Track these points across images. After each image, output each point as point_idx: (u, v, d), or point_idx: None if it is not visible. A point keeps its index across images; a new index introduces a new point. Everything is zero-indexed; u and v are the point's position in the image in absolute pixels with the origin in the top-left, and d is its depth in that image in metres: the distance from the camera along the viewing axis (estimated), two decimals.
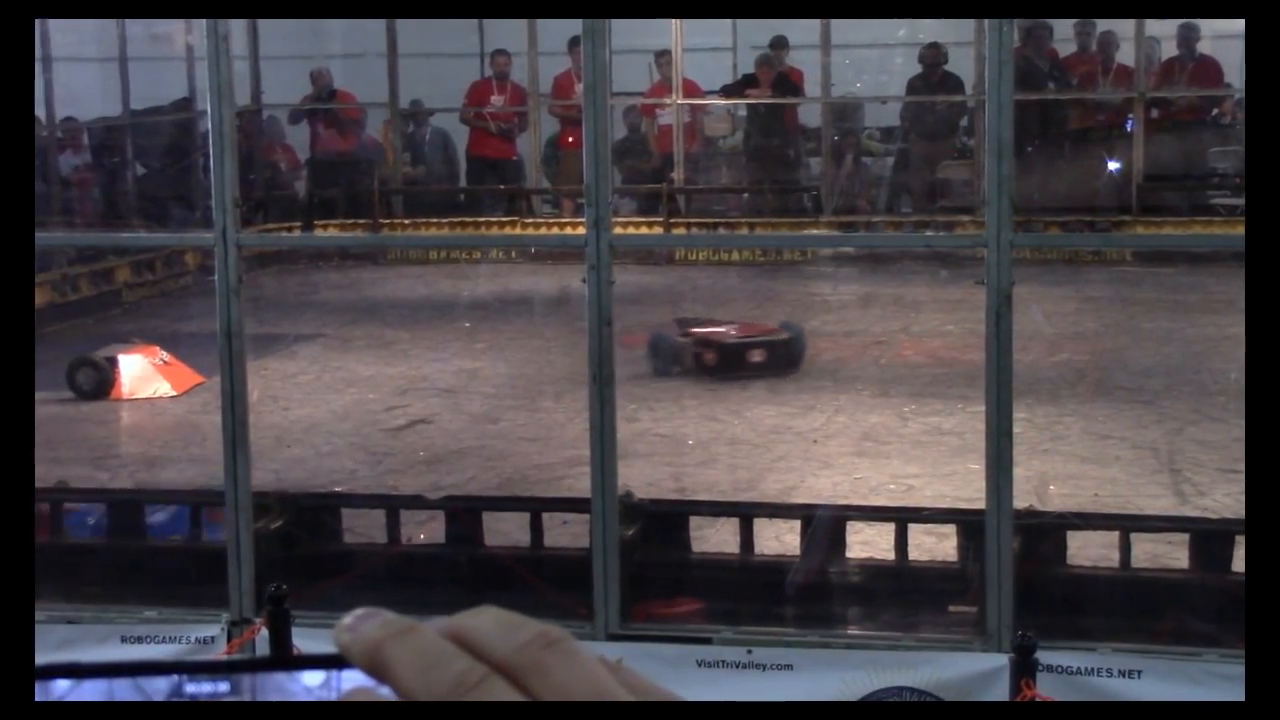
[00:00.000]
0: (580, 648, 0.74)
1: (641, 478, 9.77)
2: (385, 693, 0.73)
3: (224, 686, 0.78)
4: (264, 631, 8.01)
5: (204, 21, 8.55)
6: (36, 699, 0.79)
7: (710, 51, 19.33)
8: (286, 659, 0.79)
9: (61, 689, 0.79)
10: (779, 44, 19.36)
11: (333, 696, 0.75)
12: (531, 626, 0.74)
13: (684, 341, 13.43)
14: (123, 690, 0.79)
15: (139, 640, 8.51)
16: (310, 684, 0.78)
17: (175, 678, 0.79)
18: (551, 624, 0.74)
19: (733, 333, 13.52)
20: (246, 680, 0.78)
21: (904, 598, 8.26)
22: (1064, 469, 10.21)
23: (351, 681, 0.75)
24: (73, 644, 8.53)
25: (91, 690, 0.79)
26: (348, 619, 0.76)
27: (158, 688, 0.79)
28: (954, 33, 18.41)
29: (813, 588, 8.37)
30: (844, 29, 18.54)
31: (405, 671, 0.72)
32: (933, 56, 18.94)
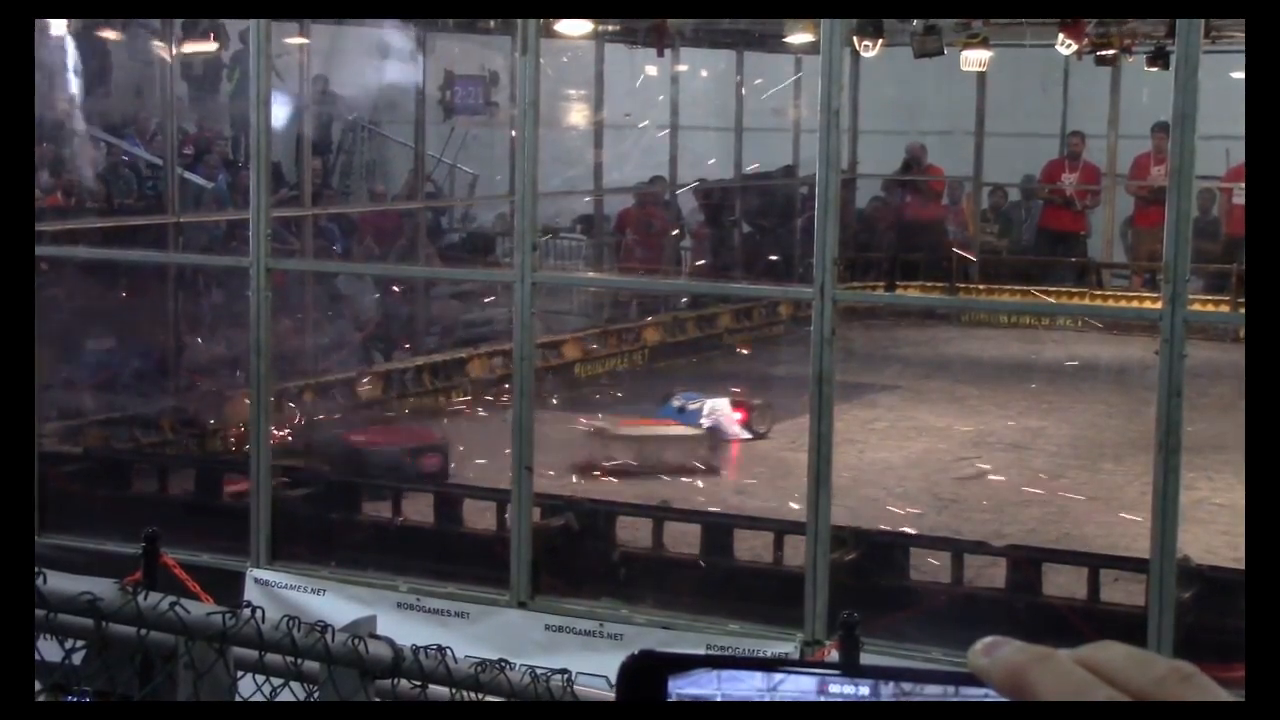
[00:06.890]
0: (1212, 682, 0.73)
1: (1198, 544, 9.23)
2: None
3: (864, 690, 0.78)
4: (834, 654, 7.96)
5: (818, 96, 8.46)
6: (741, 687, 0.80)
7: None
8: (916, 671, 0.78)
9: (775, 679, 0.80)
10: None
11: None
12: (1165, 662, 0.73)
13: None
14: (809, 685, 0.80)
15: (721, 649, 8.54)
16: (936, 693, 0.78)
17: (820, 678, 0.79)
18: (1180, 660, 0.73)
19: None
20: (883, 686, 0.78)
21: None
22: None
23: (976, 697, 0.76)
24: (666, 646, 8.61)
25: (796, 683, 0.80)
26: (979, 645, 0.76)
27: (808, 685, 0.80)
28: None
29: None
30: None
31: (1051, 694, 0.72)
32: None
